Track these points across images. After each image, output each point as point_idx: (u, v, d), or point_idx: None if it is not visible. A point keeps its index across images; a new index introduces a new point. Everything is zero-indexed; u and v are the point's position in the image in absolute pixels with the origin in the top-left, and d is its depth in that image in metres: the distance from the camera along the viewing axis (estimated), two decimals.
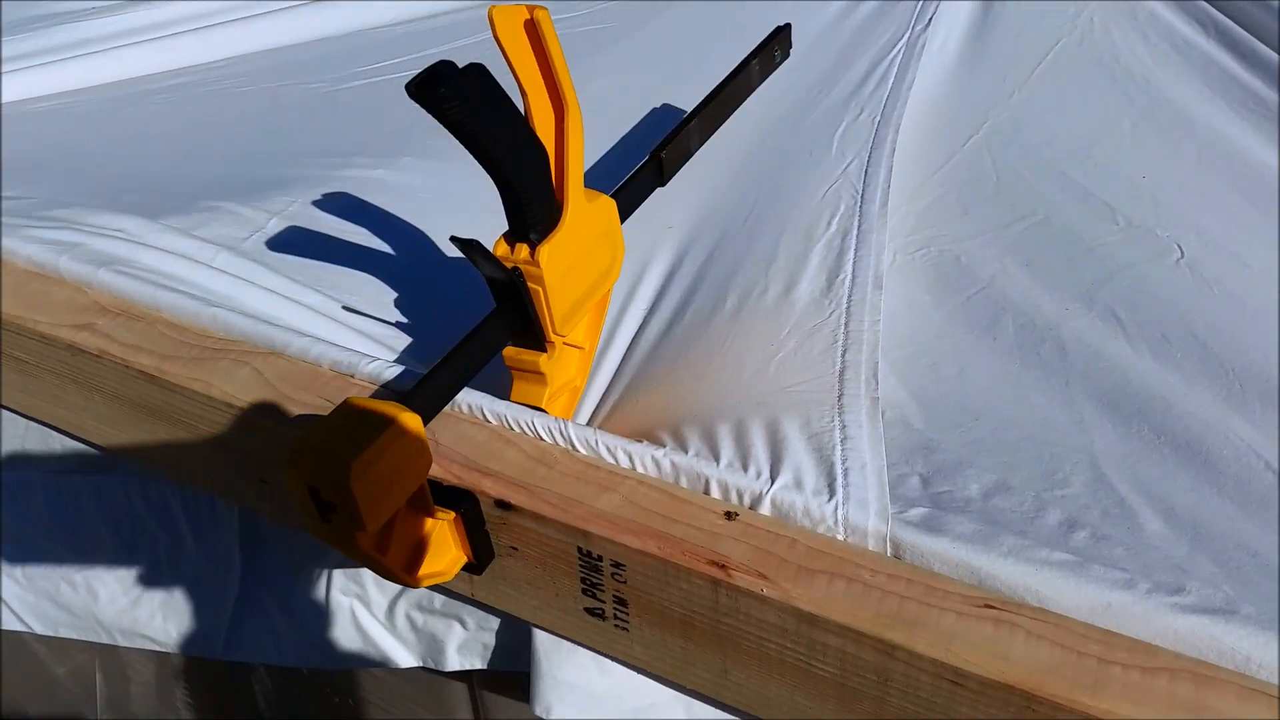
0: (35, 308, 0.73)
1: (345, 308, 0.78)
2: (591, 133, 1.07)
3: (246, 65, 1.26)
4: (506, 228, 0.65)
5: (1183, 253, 0.86)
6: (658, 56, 1.24)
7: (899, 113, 1.01)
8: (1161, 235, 0.88)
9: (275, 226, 0.87)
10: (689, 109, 1.10)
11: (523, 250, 0.63)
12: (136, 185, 0.95)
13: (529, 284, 0.63)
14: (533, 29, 0.61)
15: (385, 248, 0.88)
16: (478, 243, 0.61)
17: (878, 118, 1.01)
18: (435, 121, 0.59)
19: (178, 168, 1.02)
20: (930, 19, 1.21)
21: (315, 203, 0.92)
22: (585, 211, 0.67)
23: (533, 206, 0.62)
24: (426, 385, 0.59)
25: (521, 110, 0.63)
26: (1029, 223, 0.91)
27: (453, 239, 0.61)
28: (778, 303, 0.76)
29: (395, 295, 0.82)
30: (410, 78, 0.56)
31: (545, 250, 0.63)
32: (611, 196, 0.72)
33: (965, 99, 1.11)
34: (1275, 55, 1.12)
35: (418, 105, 0.56)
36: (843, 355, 0.68)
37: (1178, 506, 0.60)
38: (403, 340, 0.77)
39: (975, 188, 0.96)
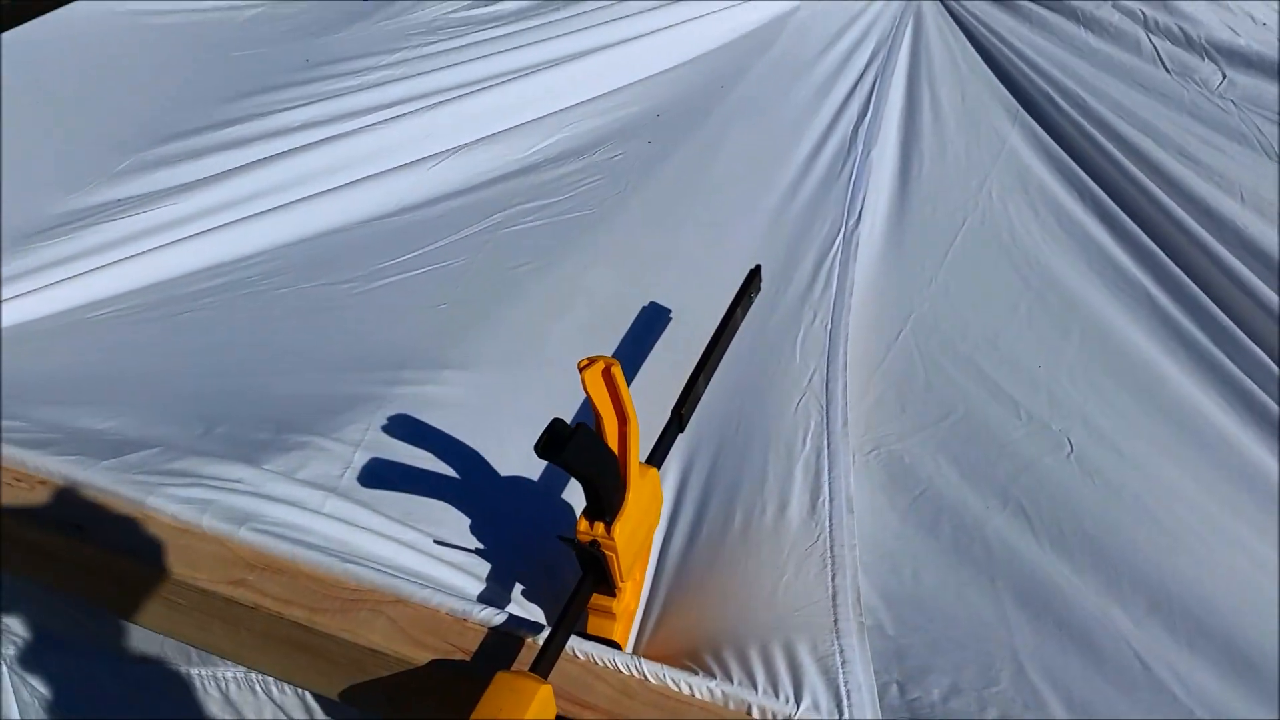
0: (191, 564, 0.91)
1: (436, 541, 0.98)
2: (596, 332, 1.30)
3: (278, 260, 1.43)
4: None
5: (1072, 446, 1.12)
6: (636, 244, 1.46)
7: (845, 320, 1.25)
8: (1055, 429, 1.14)
9: (360, 460, 1.06)
10: (670, 305, 1.33)
11: (599, 528, 0.85)
12: (220, 412, 1.13)
13: (606, 553, 0.85)
14: (608, 374, 0.82)
15: (451, 471, 1.08)
16: (577, 541, 0.82)
17: (829, 324, 1.25)
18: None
19: (246, 385, 1.19)
20: (860, 211, 1.46)
21: (383, 428, 1.11)
22: (640, 487, 0.88)
23: (608, 498, 0.84)
24: (548, 652, 0.80)
25: (594, 427, 0.84)
26: (953, 419, 1.16)
27: (560, 538, 0.82)
28: (775, 523, 0.99)
29: (469, 521, 1.02)
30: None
31: (617, 528, 0.85)
32: (651, 463, 0.94)
33: (892, 288, 1.36)
34: (1139, 229, 1.40)
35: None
36: (833, 579, 0.92)
37: (1075, 692, 0.85)
38: (483, 566, 0.98)
39: (908, 383, 1.21)
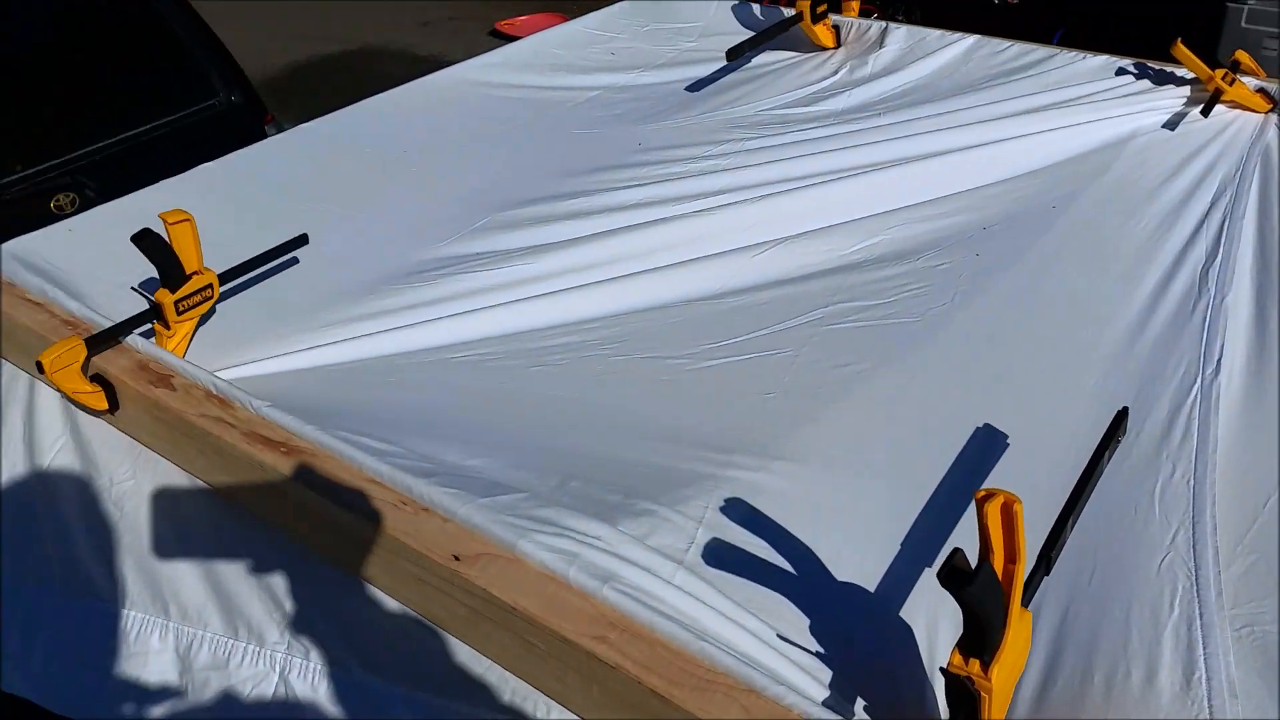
0: (557, 612, 0.96)
1: (780, 636, 0.98)
2: (928, 447, 1.27)
3: (615, 328, 1.51)
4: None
5: None
6: (966, 361, 1.43)
7: (1211, 479, 1.17)
8: None
9: (702, 537, 1.09)
10: (1006, 430, 1.29)
11: (975, 665, 0.82)
12: (571, 467, 1.19)
13: (981, 692, 0.82)
14: (1008, 510, 0.81)
15: (787, 565, 1.09)
16: (954, 674, 0.80)
17: (1191, 480, 1.17)
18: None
19: (593, 444, 1.26)
20: (1218, 360, 1.37)
21: (721, 509, 1.13)
22: (1018, 629, 0.85)
23: (991, 637, 0.82)
24: None
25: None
26: None
27: (941, 670, 0.81)
28: (1142, 690, 0.93)
29: (808, 621, 1.02)
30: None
31: (995, 668, 0.82)
32: (1023, 605, 0.90)
33: (1255, 449, 1.26)
34: None
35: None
36: None
37: None
38: (825, 672, 0.97)
39: None
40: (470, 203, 1.79)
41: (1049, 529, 1.04)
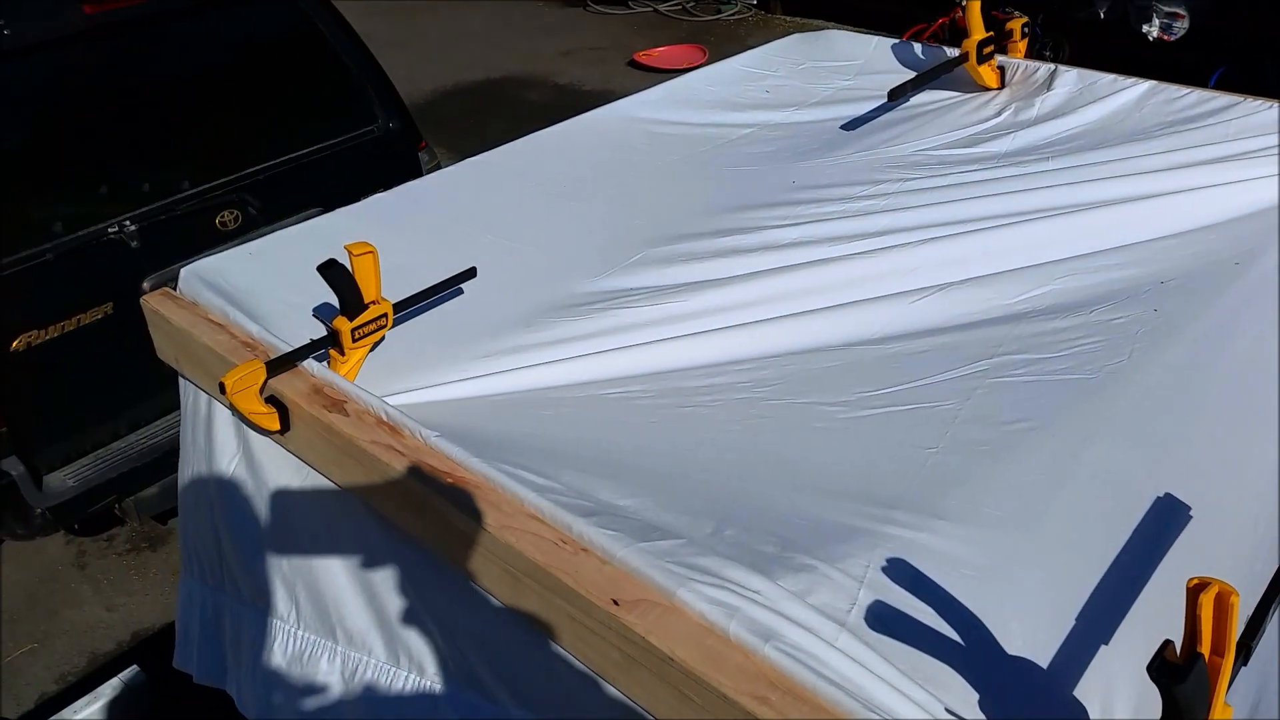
0: (718, 666, 0.94)
1: (948, 710, 0.94)
2: (1103, 514, 1.20)
3: (768, 370, 1.49)
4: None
5: None
6: (1145, 424, 1.35)
7: None
8: None
9: (865, 599, 1.05)
10: (1190, 502, 1.20)
11: None
12: (726, 513, 1.18)
13: None
14: (1222, 602, 0.75)
15: (953, 633, 1.04)
16: None
17: None
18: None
19: (747, 490, 1.24)
20: None
21: (883, 569, 1.10)
22: None
23: None
24: None
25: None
26: None
27: None
28: None
29: (977, 696, 0.97)
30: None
31: None
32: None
33: None
34: None
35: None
36: None
37: None
38: None
39: None
40: (626, 238, 1.81)
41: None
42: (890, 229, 1.81)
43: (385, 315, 1.38)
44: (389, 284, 1.45)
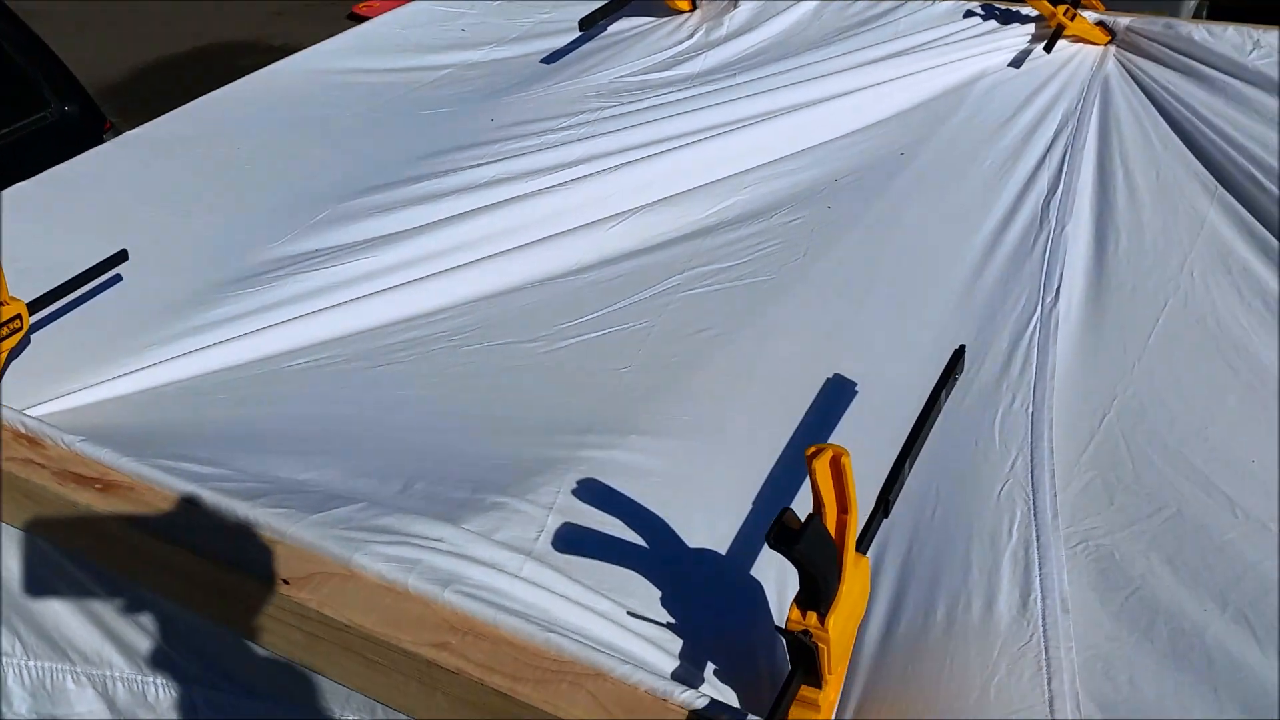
0: (395, 624, 0.93)
1: (630, 613, 0.97)
2: (780, 403, 1.27)
3: (466, 316, 1.47)
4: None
5: None
6: (818, 314, 1.43)
7: (1048, 404, 1.19)
8: (1273, 529, 1.05)
9: (553, 524, 1.06)
10: (855, 378, 1.29)
11: (812, 617, 0.82)
12: (417, 468, 1.16)
13: (818, 644, 0.82)
14: (837, 464, 0.80)
15: (640, 540, 1.07)
16: (790, 631, 0.80)
17: (1030, 407, 1.20)
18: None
19: (440, 441, 1.22)
20: (1057, 289, 1.40)
21: (573, 492, 1.11)
22: (853, 577, 0.85)
23: (825, 589, 0.81)
24: None
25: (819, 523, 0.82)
26: (1165, 515, 1.09)
27: (776, 629, 0.80)
28: (983, 619, 0.94)
29: (659, 593, 1.01)
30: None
31: (831, 619, 0.82)
32: (861, 551, 0.91)
33: (1093, 371, 1.29)
34: None
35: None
36: (1049, 683, 0.87)
37: None
38: (676, 642, 0.96)
39: (1115, 474, 1.14)
40: (309, 198, 1.72)
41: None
42: (586, 157, 1.82)
43: (19, 317, 1.25)
44: (39, 284, 1.32)
